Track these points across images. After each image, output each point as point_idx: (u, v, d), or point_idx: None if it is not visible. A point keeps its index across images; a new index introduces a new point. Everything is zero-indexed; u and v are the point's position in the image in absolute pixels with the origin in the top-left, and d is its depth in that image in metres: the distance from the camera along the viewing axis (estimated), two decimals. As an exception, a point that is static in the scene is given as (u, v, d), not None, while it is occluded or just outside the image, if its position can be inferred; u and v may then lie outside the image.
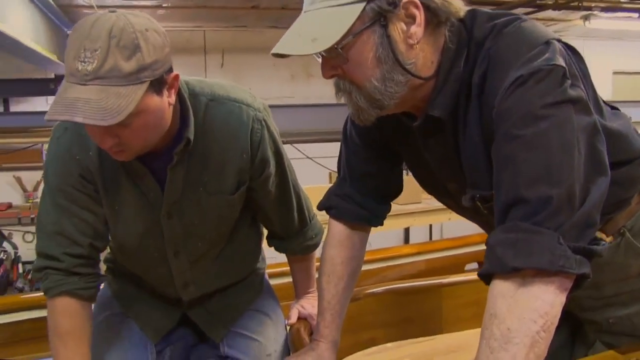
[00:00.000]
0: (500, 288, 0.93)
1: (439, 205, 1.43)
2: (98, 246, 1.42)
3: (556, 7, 4.58)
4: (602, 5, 4.97)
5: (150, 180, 1.37)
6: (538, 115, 0.94)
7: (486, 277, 0.96)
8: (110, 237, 1.49)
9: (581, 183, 0.93)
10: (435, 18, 1.03)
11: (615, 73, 7.48)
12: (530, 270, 0.91)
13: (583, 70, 1.07)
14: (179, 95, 1.30)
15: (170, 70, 1.21)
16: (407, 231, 6.09)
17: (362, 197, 1.40)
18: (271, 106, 1.40)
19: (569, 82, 0.96)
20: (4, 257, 5.31)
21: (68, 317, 1.37)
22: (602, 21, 5.49)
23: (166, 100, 1.23)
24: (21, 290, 5.09)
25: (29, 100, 5.55)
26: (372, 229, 1.48)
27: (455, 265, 2.79)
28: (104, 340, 1.54)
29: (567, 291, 0.92)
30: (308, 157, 5.18)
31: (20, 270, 5.39)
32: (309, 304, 1.69)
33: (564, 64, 0.97)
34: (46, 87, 5.33)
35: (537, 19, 5.76)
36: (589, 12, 5.12)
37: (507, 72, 0.98)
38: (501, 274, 0.93)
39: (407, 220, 3.68)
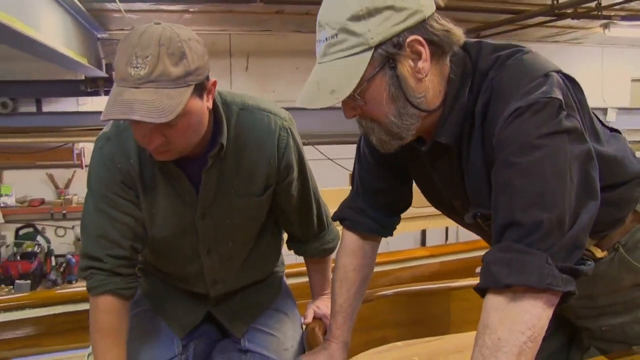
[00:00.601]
0: (493, 302, 1.00)
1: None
2: (138, 248, 1.53)
3: (575, 16, 4.53)
4: (622, 13, 4.92)
5: (186, 183, 1.48)
6: (534, 144, 1.00)
7: (481, 291, 1.04)
8: (148, 238, 1.58)
9: (572, 208, 1.00)
10: (439, 49, 1.09)
11: (633, 80, 7.38)
12: (520, 287, 0.98)
13: (580, 100, 1.13)
14: (213, 104, 1.40)
15: (208, 77, 1.33)
16: (423, 233, 6.13)
17: (373, 210, 1.48)
18: (293, 109, 1.46)
19: (565, 113, 1.02)
20: (38, 251, 5.45)
21: (110, 314, 1.47)
22: (622, 29, 5.44)
23: (205, 104, 1.34)
24: (54, 282, 5.21)
25: (60, 100, 5.65)
26: None
27: (467, 268, 2.80)
28: (134, 335, 1.63)
29: (554, 306, 1.00)
30: (329, 159, 5.28)
31: (53, 263, 5.53)
32: (324, 305, 1.77)
33: (560, 96, 1.03)
34: (77, 88, 5.41)
35: (557, 27, 5.74)
36: (609, 20, 5.08)
37: (508, 103, 1.04)
38: (495, 289, 1.00)
39: (423, 223, 3.70)
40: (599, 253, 1.29)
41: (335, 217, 1.58)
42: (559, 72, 1.11)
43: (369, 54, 1.04)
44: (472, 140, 1.14)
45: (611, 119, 6.96)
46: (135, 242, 1.52)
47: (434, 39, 1.07)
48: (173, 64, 1.23)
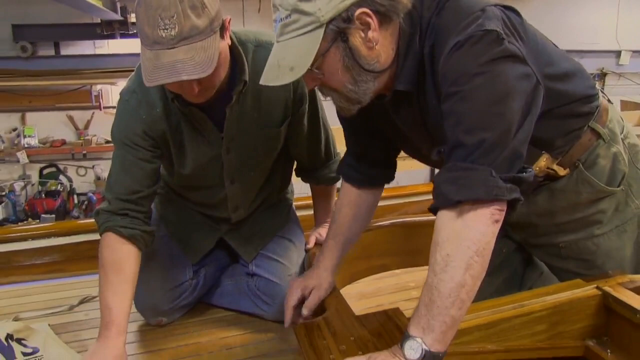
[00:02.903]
0: (443, 220, 1.06)
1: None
2: (150, 193, 1.63)
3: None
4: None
5: (209, 124, 1.59)
6: (473, 72, 1.05)
7: (435, 211, 1.10)
8: (175, 174, 1.71)
9: (512, 125, 1.06)
10: (387, 18, 1.15)
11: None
12: (468, 203, 1.04)
13: (521, 27, 1.18)
14: (231, 43, 1.49)
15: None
16: (432, 171, 6.18)
17: (360, 165, 1.57)
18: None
19: (504, 41, 1.07)
20: (61, 189, 5.65)
21: (110, 250, 1.55)
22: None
23: (226, 42, 1.43)
24: (77, 218, 5.39)
25: (78, 44, 5.70)
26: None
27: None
28: (150, 259, 1.79)
29: (498, 222, 1.05)
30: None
31: (76, 201, 5.73)
32: (325, 232, 1.83)
33: (496, 27, 1.08)
34: (93, 31, 5.46)
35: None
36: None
37: (448, 40, 1.10)
38: (445, 208, 1.06)
39: None
40: (561, 171, 1.39)
41: (337, 172, 1.68)
42: (497, 5, 1.16)
43: (321, 31, 1.10)
44: (426, 83, 1.21)
45: (624, 62, 6.86)
46: (149, 187, 1.62)
47: (380, 9, 1.12)
48: (197, 16, 1.29)
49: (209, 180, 1.73)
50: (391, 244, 2.25)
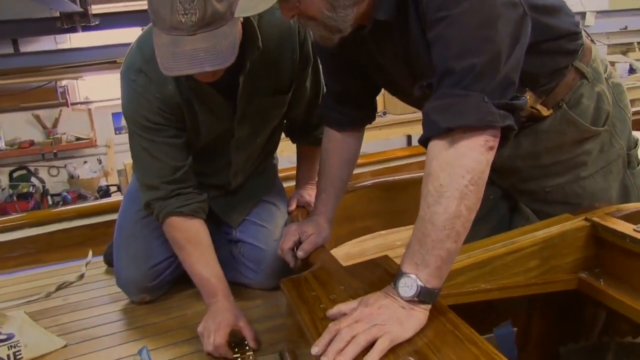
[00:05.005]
0: (435, 149, 1.02)
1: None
2: (190, 164, 1.61)
3: None
4: None
5: (217, 98, 1.54)
6: None
7: (425, 142, 1.06)
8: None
9: (502, 50, 1.02)
10: None
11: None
12: (459, 131, 0.99)
13: None
14: None
15: None
16: (409, 138, 6.14)
17: (339, 105, 1.54)
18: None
19: None
20: (34, 191, 5.50)
21: (179, 231, 1.59)
22: None
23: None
24: (51, 216, 5.32)
25: (38, 40, 5.50)
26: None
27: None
28: (132, 235, 1.77)
29: (492, 150, 1.01)
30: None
31: (50, 202, 5.58)
32: (307, 194, 1.88)
33: None
34: (53, 25, 5.29)
35: None
36: None
37: None
38: (436, 137, 1.02)
39: (406, 129, 3.76)
40: (545, 111, 1.36)
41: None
42: None
43: None
44: (408, 12, 1.16)
45: (590, 23, 6.87)
46: (186, 159, 1.60)
47: None
48: (218, 0, 1.23)
49: (217, 149, 1.70)
50: (374, 204, 2.24)
